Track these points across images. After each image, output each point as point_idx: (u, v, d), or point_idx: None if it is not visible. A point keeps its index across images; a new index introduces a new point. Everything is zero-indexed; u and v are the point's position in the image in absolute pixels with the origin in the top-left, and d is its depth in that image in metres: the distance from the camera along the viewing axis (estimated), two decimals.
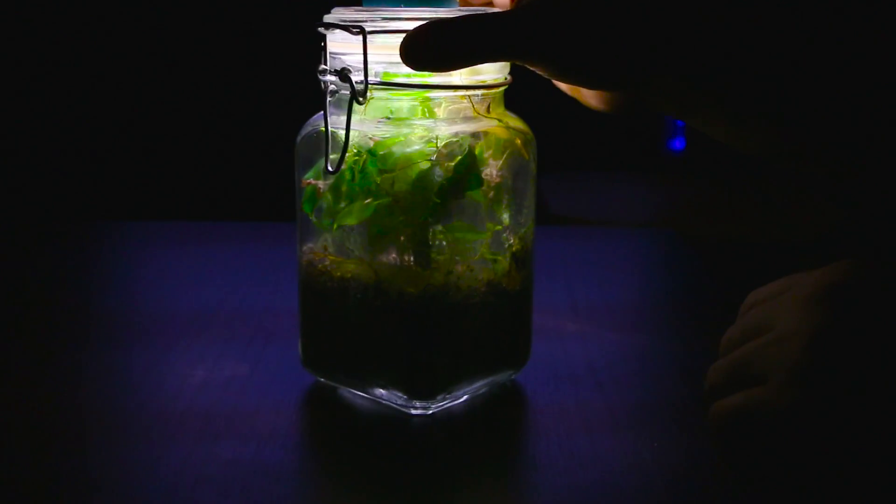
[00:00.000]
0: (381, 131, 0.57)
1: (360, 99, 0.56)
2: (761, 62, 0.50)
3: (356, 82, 0.56)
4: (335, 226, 0.58)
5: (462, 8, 0.59)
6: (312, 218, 0.60)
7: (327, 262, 0.60)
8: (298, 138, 0.61)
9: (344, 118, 0.57)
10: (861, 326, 0.49)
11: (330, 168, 0.56)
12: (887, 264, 0.51)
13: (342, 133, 0.56)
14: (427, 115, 0.57)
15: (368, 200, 0.57)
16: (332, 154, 0.56)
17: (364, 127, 0.57)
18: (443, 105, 0.58)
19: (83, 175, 2.14)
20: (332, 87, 0.58)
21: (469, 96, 0.58)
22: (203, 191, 2.16)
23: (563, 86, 0.59)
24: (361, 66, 0.55)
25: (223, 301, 0.79)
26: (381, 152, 0.57)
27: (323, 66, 0.58)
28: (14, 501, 0.50)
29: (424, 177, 0.56)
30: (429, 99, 0.57)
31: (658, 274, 0.96)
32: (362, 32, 0.55)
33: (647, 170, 2.22)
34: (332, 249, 0.59)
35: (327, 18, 0.59)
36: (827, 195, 1.84)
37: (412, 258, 0.56)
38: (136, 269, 0.91)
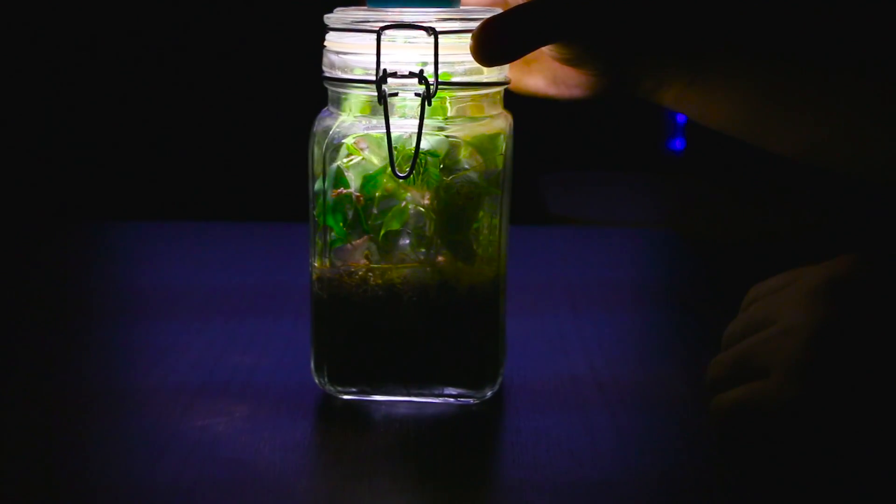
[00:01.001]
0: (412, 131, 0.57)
1: (430, 100, 0.56)
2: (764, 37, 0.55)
3: (430, 84, 0.56)
4: (382, 232, 0.58)
5: (466, 7, 0.59)
6: (344, 229, 0.59)
7: (362, 273, 0.59)
8: (322, 147, 0.59)
9: (345, 121, 0.57)
10: (864, 320, 0.49)
11: (400, 173, 0.56)
12: (889, 259, 0.51)
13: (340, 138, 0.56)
14: (442, 113, 0.58)
15: (404, 204, 0.58)
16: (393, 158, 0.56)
17: (360, 128, 0.57)
18: (454, 104, 0.58)
19: (83, 175, 2.14)
20: (387, 90, 0.56)
21: (499, 92, 0.60)
22: (202, 191, 2.15)
23: (539, 83, 0.62)
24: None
25: (222, 302, 0.79)
26: (448, 152, 0.58)
27: (385, 70, 0.56)
28: (14, 501, 0.50)
29: (498, 171, 0.58)
30: (446, 98, 0.58)
31: (658, 274, 0.96)
32: (434, 33, 0.55)
33: (647, 170, 2.22)
34: (376, 257, 0.59)
35: (327, 18, 0.59)
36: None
37: (466, 252, 0.58)
38: (136, 270, 0.91)
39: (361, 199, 0.58)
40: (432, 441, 0.56)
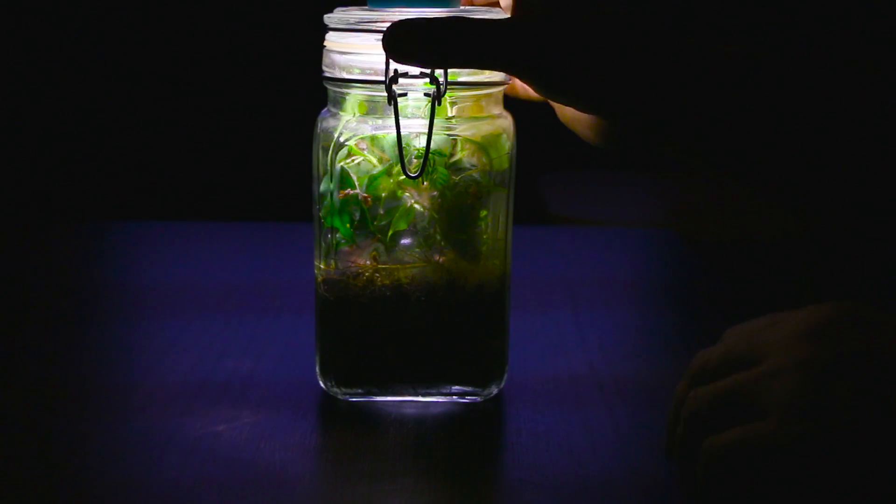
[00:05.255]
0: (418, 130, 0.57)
1: (440, 100, 0.56)
2: (750, 113, 0.50)
3: (441, 84, 0.55)
4: (390, 233, 0.58)
5: (466, 7, 0.59)
6: (351, 230, 0.58)
7: (369, 273, 0.58)
8: (326, 148, 0.59)
9: (350, 121, 0.57)
10: (856, 361, 0.49)
11: (412, 174, 0.56)
12: (875, 305, 0.51)
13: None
14: (443, 113, 0.58)
15: (412, 203, 0.58)
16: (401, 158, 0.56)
17: (367, 128, 0.57)
18: (455, 104, 0.58)
19: (83, 175, 2.14)
20: (398, 91, 0.56)
21: (501, 92, 0.60)
22: (202, 191, 2.16)
23: (559, 112, 0.59)
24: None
25: (223, 301, 0.79)
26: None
27: (397, 70, 0.55)
28: (15, 501, 0.50)
29: (504, 170, 0.59)
30: (446, 97, 0.58)
31: (658, 274, 0.96)
32: None
33: (647, 170, 2.22)
34: (384, 258, 0.59)
35: (328, 18, 0.59)
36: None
37: (472, 251, 0.59)
38: (136, 270, 0.91)
39: (369, 199, 0.58)
40: (433, 441, 0.56)
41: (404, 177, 0.57)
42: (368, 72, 0.58)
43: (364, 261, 0.59)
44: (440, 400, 0.60)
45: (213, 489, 0.51)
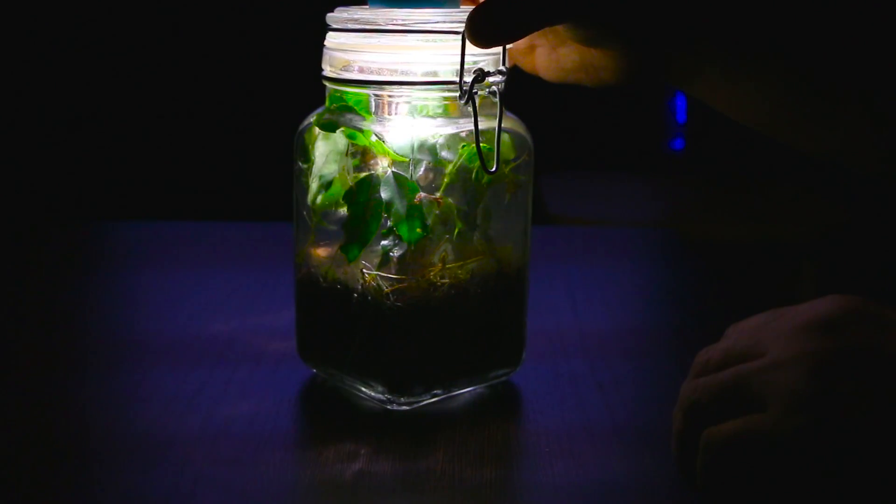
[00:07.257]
0: (435, 128, 0.58)
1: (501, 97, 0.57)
2: (796, 27, 0.53)
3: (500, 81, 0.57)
4: (455, 231, 0.59)
5: (466, 6, 0.59)
6: (421, 234, 0.57)
7: (435, 274, 0.58)
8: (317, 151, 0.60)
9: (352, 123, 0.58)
10: (860, 354, 0.48)
11: (492, 169, 0.57)
12: (876, 298, 0.51)
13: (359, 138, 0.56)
14: (447, 111, 0.58)
15: (465, 200, 0.59)
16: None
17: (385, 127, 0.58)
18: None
19: (83, 175, 2.14)
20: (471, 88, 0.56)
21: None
22: (203, 191, 2.16)
23: (568, 68, 0.59)
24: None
25: (223, 301, 0.79)
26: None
27: (482, 69, 0.57)
28: (15, 500, 0.50)
29: (530, 160, 0.62)
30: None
31: (658, 274, 0.96)
32: None
33: (647, 170, 2.22)
34: (451, 257, 0.59)
35: (330, 18, 0.59)
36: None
37: (514, 236, 0.62)
38: (136, 270, 0.91)
39: (441, 202, 0.58)
40: (433, 442, 0.56)
41: (473, 175, 0.58)
42: (369, 72, 0.57)
43: (434, 263, 0.58)
44: (478, 388, 0.62)
45: (214, 489, 0.51)
